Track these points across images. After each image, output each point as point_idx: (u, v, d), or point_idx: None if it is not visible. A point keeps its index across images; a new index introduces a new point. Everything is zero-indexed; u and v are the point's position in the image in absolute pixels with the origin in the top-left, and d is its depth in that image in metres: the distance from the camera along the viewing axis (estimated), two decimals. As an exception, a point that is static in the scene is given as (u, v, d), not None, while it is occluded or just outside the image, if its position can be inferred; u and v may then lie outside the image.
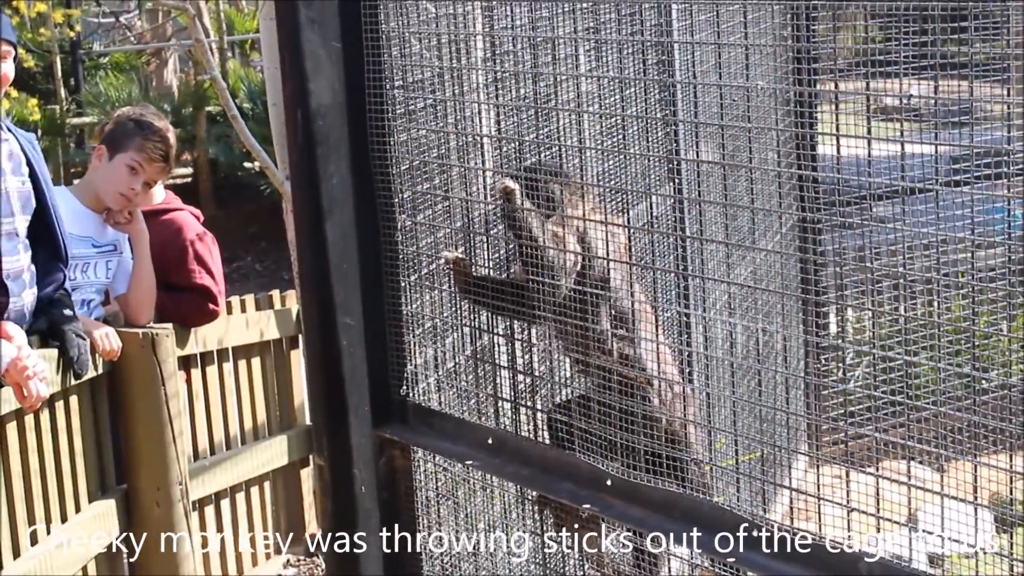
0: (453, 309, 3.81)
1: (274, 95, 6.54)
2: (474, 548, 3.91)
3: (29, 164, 4.72)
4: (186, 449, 5.47)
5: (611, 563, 3.98)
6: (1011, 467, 2.73)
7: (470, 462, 3.59)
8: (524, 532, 3.90)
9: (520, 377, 3.74)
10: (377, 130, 3.64)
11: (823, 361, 6.07)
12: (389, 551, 3.77)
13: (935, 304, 4.85)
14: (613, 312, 3.61)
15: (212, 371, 5.98)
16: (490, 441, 3.56)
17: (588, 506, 3.28)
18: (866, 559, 2.73)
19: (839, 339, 6.23)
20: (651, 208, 4.49)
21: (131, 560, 5.31)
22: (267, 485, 6.40)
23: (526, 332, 3.78)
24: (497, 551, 3.90)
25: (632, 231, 3.76)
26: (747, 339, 4.75)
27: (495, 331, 3.77)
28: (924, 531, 2.69)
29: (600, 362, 3.50)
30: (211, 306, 5.69)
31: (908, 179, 2.89)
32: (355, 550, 3.72)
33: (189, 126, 15.69)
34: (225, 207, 15.83)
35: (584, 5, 3.72)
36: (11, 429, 4.43)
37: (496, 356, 3.78)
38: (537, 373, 3.78)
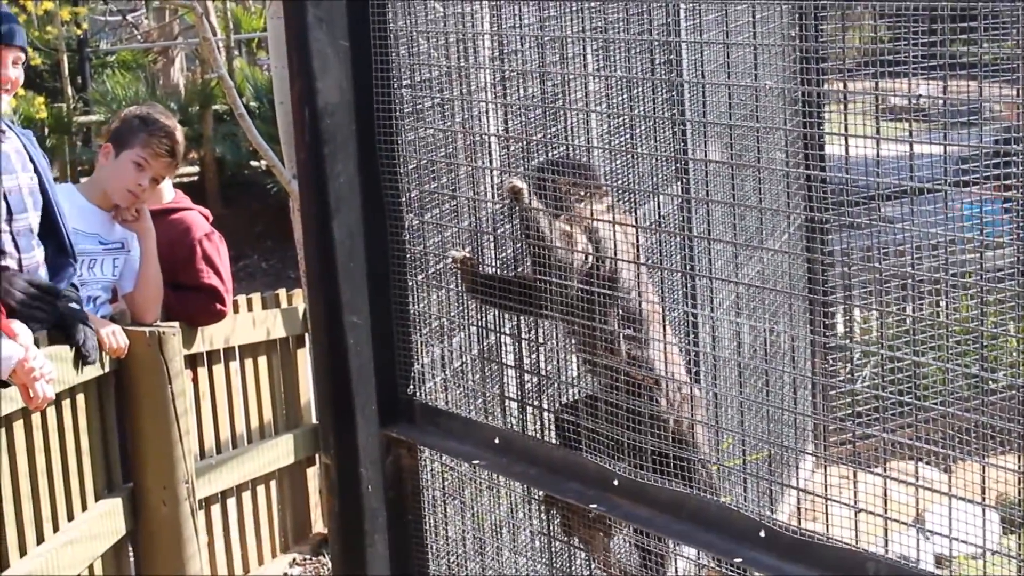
0: (460, 308, 3.81)
1: (281, 93, 6.55)
2: (480, 547, 3.90)
3: (31, 160, 4.76)
4: (192, 448, 5.47)
5: (617, 563, 3.98)
6: (1019, 468, 2.73)
7: (477, 461, 3.59)
8: (531, 531, 3.89)
9: (527, 377, 3.74)
10: (385, 129, 3.64)
11: (830, 361, 6.07)
12: (395, 550, 3.77)
13: (943, 304, 4.84)
14: (622, 312, 3.61)
15: (219, 370, 5.99)
16: (497, 441, 3.56)
17: (595, 506, 3.28)
18: (873, 559, 2.73)
19: (846, 339, 6.23)
20: (659, 208, 4.49)
21: (137, 559, 5.32)
22: (273, 484, 6.41)
23: (533, 331, 3.77)
24: (503, 550, 3.89)
25: (640, 230, 3.75)
26: (754, 339, 4.74)
27: (502, 330, 3.77)
28: (931, 531, 2.68)
29: (609, 362, 3.50)
30: (218, 306, 5.69)
31: (916, 179, 2.88)
32: (361, 549, 3.72)
33: (196, 125, 15.70)
34: (232, 206, 15.82)
35: (592, 4, 3.71)
36: (18, 428, 4.43)
37: (503, 355, 3.78)
38: (544, 373, 3.78)
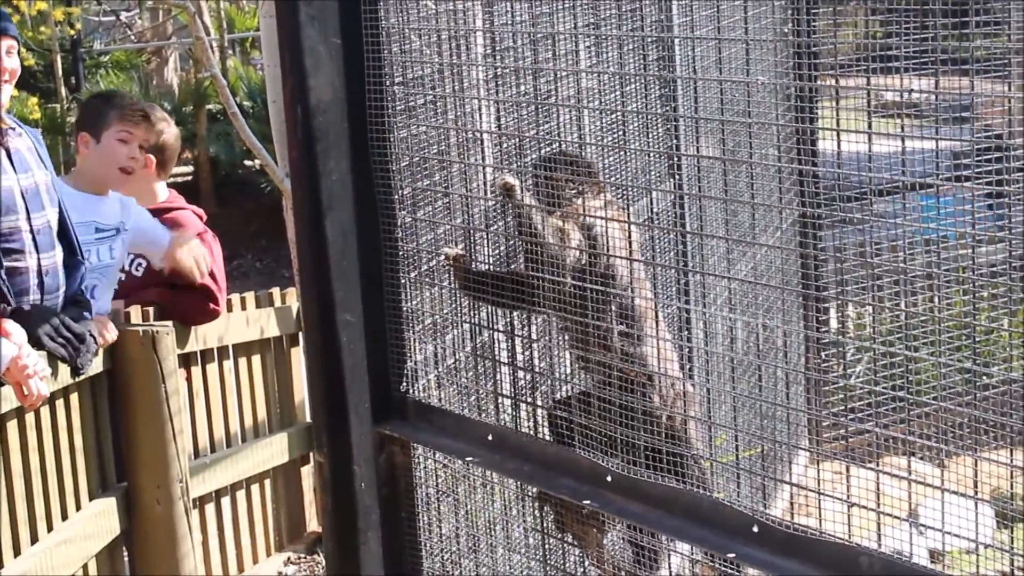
0: (453, 305, 3.81)
1: (274, 92, 6.54)
2: (474, 544, 3.90)
3: (40, 158, 4.75)
4: (186, 447, 5.47)
5: (611, 559, 3.98)
6: (1012, 462, 2.73)
7: (470, 458, 3.59)
8: (524, 528, 3.89)
9: (520, 373, 3.74)
10: (377, 126, 3.64)
11: (824, 357, 6.07)
12: (389, 548, 3.77)
13: (936, 300, 4.85)
14: (615, 308, 3.61)
15: (212, 369, 5.98)
16: (490, 437, 3.56)
17: (588, 502, 3.28)
18: (867, 554, 2.73)
19: (840, 335, 6.23)
20: (652, 204, 4.49)
21: (131, 558, 5.31)
22: (268, 483, 6.40)
23: (526, 328, 3.77)
24: (497, 548, 3.89)
25: (634, 227, 3.75)
26: (748, 335, 4.75)
27: (495, 327, 3.77)
28: (925, 526, 2.69)
29: (602, 358, 3.50)
30: (212, 305, 5.69)
31: (909, 175, 2.88)
32: (355, 547, 3.72)
33: (189, 124, 15.70)
34: (225, 205, 15.83)
35: (584, 1, 3.72)
36: (11, 427, 4.43)
37: (496, 352, 3.78)
38: (538, 369, 3.78)
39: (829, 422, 5.76)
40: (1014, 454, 2.83)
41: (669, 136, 4.58)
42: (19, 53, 4.77)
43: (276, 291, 6.54)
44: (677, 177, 4.66)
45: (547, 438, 3.62)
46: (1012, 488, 3.71)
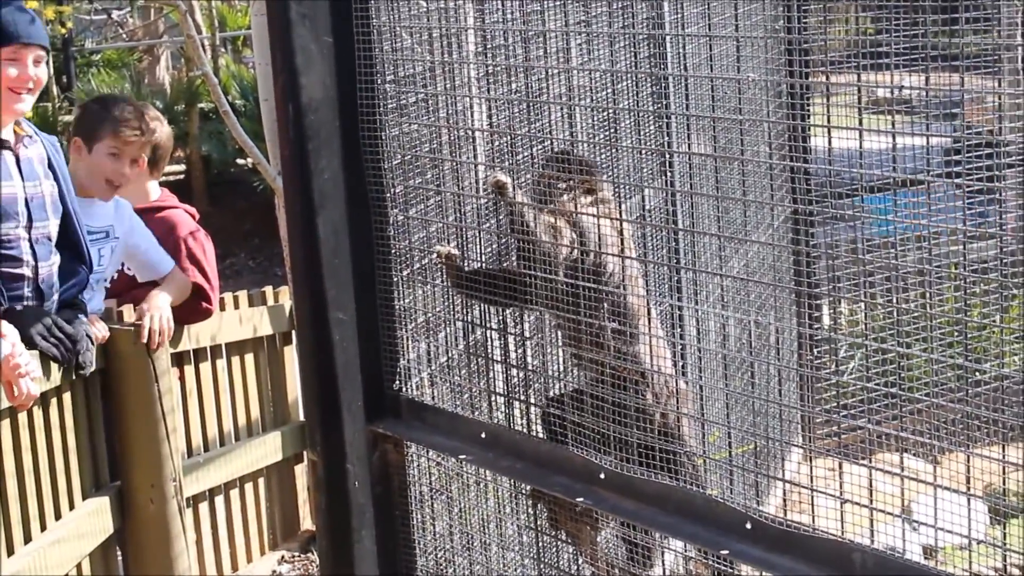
0: (446, 303, 3.81)
1: (266, 91, 6.53)
2: (468, 542, 3.90)
3: (51, 167, 4.75)
4: (180, 446, 5.47)
5: (605, 557, 3.98)
6: (1004, 458, 2.73)
7: (463, 456, 3.59)
8: (518, 526, 3.89)
9: (513, 371, 3.74)
10: (369, 125, 3.64)
11: (816, 353, 6.08)
12: (383, 546, 3.77)
13: (928, 296, 4.86)
14: (609, 306, 3.61)
15: (205, 368, 5.98)
16: (483, 435, 3.56)
17: (581, 499, 3.28)
18: (860, 551, 2.73)
19: (832, 331, 6.24)
20: (644, 201, 4.49)
21: (125, 557, 5.31)
22: (261, 481, 6.40)
23: (519, 326, 3.77)
24: (491, 546, 3.90)
25: (626, 224, 3.75)
26: (740, 332, 4.75)
27: (488, 325, 3.77)
28: (918, 522, 2.69)
29: (595, 356, 3.50)
30: (205, 304, 5.69)
31: (900, 171, 2.88)
32: (349, 545, 3.72)
33: (181, 123, 15.67)
34: (218, 204, 15.81)
35: (575, -1, 3.72)
36: (5, 426, 4.43)
37: (489, 350, 3.78)
38: (531, 367, 3.78)
39: (822, 419, 5.76)
40: (1007, 450, 2.83)
41: (661, 133, 4.59)
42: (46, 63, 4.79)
43: (269, 290, 6.54)
44: (669, 174, 4.66)
45: (540, 436, 3.62)
46: (1005, 484, 3.71)
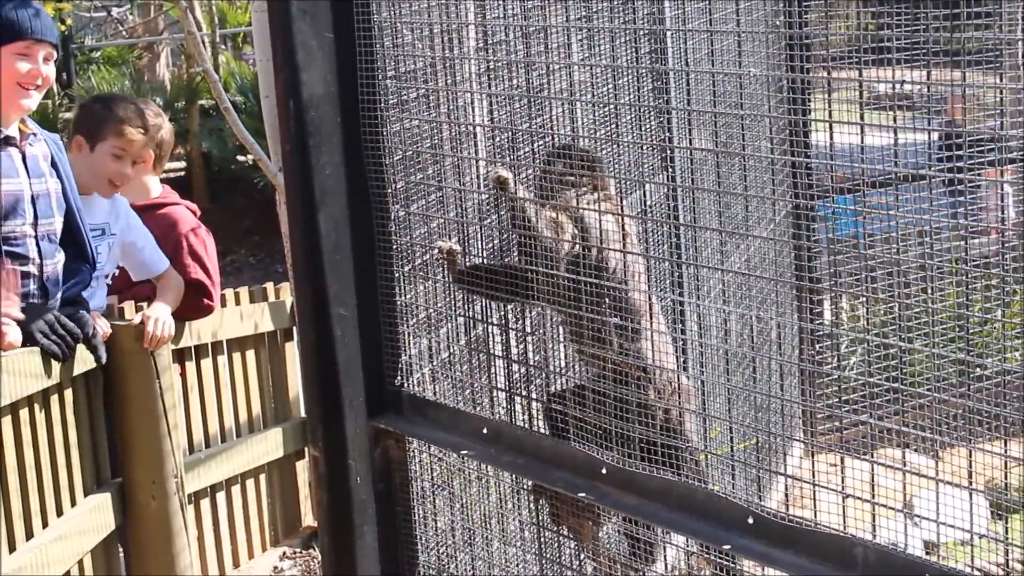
0: (447, 299, 3.81)
1: (266, 87, 6.54)
2: (470, 538, 3.91)
3: (55, 164, 4.76)
4: (181, 442, 5.47)
5: (607, 552, 3.99)
6: (1006, 453, 2.73)
7: (465, 452, 3.59)
8: (520, 522, 3.89)
9: (515, 366, 3.74)
10: (370, 120, 3.64)
11: (818, 349, 6.08)
12: (385, 542, 3.77)
13: (929, 291, 4.86)
14: (611, 301, 3.61)
15: (207, 364, 5.98)
16: (485, 431, 3.56)
17: (583, 495, 3.28)
18: (862, 545, 2.73)
19: (833, 326, 6.24)
20: (645, 197, 4.49)
21: (127, 553, 5.31)
22: (263, 478, 6.40)
23: (521, 321, 3.77)
24: (493, 541, 3.90)
25: (631, 219, 3.75)
26: (742, 327, 4.75)
27: (490, 321, 3.77)
28: (919, 517, 2.69)
29: (597, 351, 3.50)
30: (206, 301, 5.69)
31: (901, 166, 2.88)
32: (351, 542, 3.72)
33: (182, 120, 15.68)
34: (218, 201, 15.81)
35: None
36: (6, 422, 4.43)
37: (491, 346, 3.78)
38: (532, 363, 3.78)
39: (824, 414, 5.76)
40: (1008, 445, 2.84)
41: (662, 129, 4.59)
42: (56, 62, 4.79)
43: (270, 286, 6.54)
44: (670, 170, 4.66)
45: (543, 431, 3.62)
46: (1006, 479, 3.71)
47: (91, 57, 17.49)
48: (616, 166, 4.02)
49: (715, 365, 4.24)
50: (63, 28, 16.12)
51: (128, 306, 5.28)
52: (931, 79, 2.78)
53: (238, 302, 6.24)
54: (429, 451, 3.83)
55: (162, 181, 5.94)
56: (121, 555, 5.29)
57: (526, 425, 3.63)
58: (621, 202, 3.87)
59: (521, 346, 3.79)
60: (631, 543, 3.76)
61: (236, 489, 6.19)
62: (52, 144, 4.80)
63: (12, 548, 4.41)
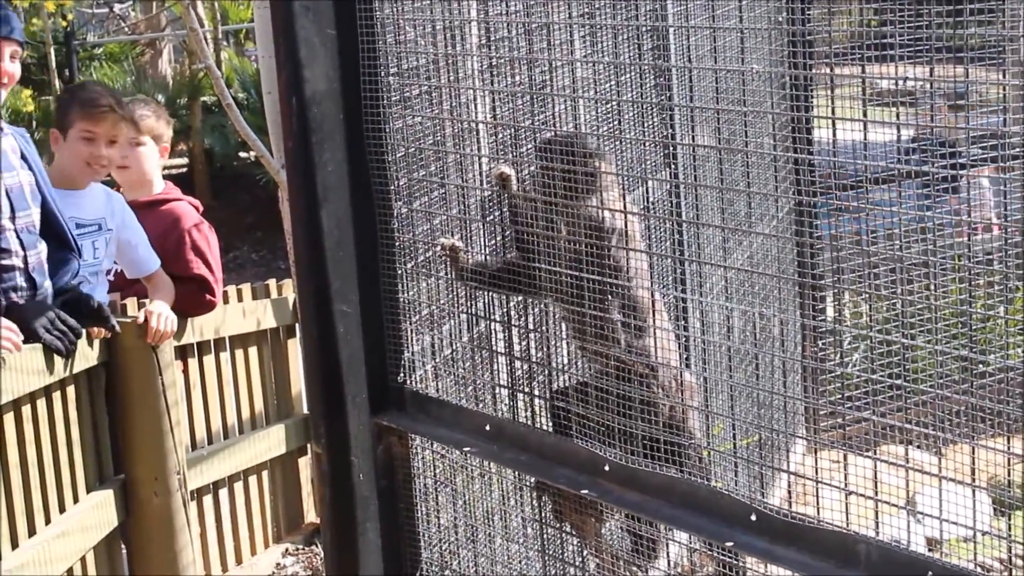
0: (450, 296, 3.81)
1: (269, 84, 6.53)
2: (472, 535, 3.91)
3: (24, 157, 4.76)
4: (183, 439, 5.47)
5: (609, 548, 3.98)
6: (1009, 450, 2.73)
7: (468, 449, 3.59)
8: (522, 518, 3.89)
9: (518, 363, 3.74)
10: (372, 117, 3.63)
11: (820, 345, 6.07)
12: (387, 539, 3.77)
13: (932, 288, 4.86)
14: (614, 298, 3.60)
15: (209, 360, 5.98)
16: (488, 428, 3.56)
17: (586, 491, 3.28)
18: (864, 542, 2.73)
19: (836, 323, 6.23)
20: (648, 193, 4.48)
21: (129, 550, 5.31)
22: (265, 474, 6.40)
23: (523, 318, 3.77)
24: (495, 538, 3.90)
25: (631, 216, 3.75)
26: (744, 324, 4.75)
27: (492, 317, 3.77)
28: (922, 514, 2.69)
29: (600, 348, 3.50)
30: (208, 297, 5.69)
31: (904, 163, 2.88)
32: (353, 538, 3.72)
33: (184, 116, 15.69)
34: (221, 197, 15.82)
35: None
36: (9, 419, 4.42)
37: (493, 343, 3.78)
38: (535, 359, 3.78)
39: (826, 410, 5.76)
40: (1011, 442, 2.83)
41: (664, 125, 4.58)
42: (21, 59, 4.78)
43: (272, 282, 6.53)
44: (673, 166, 4.66)
45: (545, 428, 3.62)
46: (1009, 476, 3.71)
47: (93, 54, 17.48)
48: (619, 163, 4.02)
49: (718, 362, 4.24)
50: (64, 24, 16.13)
51: (130, 302, 5.28)
52: (934, 75, 2.78)
53: (240, 299, 6.24)
54: (432, 448, 3.83)
55: (164, 177, 5.94)
56: (124, 552, 5.29)
57: (529, 422, 3.63)
58: (625, 198, 3.87)
59: (524, 343, 3.79)
60: (634, 540, 3.75)
61: (238, 486, 6.19)
62: (19, 137, 4.79)
63: (15, 545, 4.42)
